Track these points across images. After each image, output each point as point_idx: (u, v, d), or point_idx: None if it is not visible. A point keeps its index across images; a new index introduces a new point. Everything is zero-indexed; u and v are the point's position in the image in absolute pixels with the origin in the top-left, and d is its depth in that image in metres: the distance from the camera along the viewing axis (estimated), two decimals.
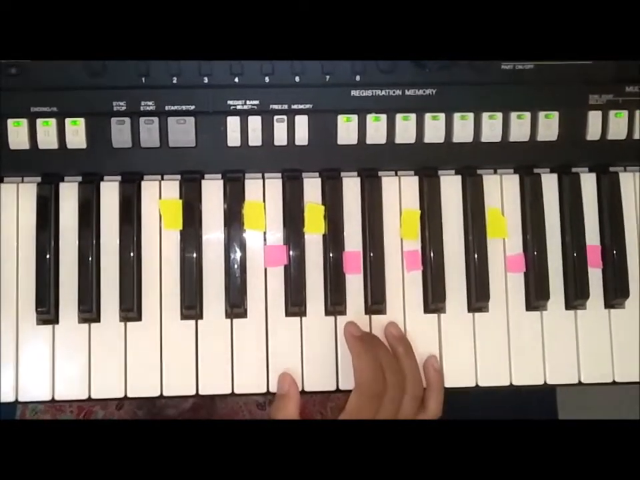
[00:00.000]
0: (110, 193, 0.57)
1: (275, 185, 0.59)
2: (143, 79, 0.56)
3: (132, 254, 0.56)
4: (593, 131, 0.59)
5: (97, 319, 0.56)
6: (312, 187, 0.59)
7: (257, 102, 0.57)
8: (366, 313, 0.58)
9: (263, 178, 0.59)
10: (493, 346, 0.58)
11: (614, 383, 0.59)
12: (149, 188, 0.58)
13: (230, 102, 0.57)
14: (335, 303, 0.57)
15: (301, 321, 0.57)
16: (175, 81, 0.56)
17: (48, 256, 0.56)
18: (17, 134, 0.56)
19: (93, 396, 0.56)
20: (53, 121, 0.56)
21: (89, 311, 0.56)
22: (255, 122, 0.57)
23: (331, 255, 0.57)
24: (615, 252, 0.59)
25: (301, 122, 0.57)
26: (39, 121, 0.56)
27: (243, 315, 0.57)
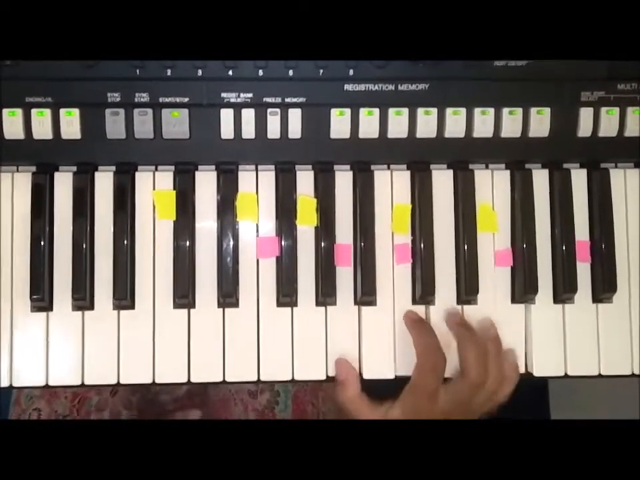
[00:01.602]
0: (104, 183, 0.58)
1: (268, 177, 0.59)
2: (138, 70, 0.57)
3: (126, 243, 0.57)
4: (585, 128, 0.60)
5: (91, 307, 0.57)
6: (305, 179, 0.59)
7: (250, 95, 0.57)
8: (356, 304, 0.59)
9: (256, 170, 0.59)
10: None
11: (600, 375, 0.60)
12: (142, 179, 0.58)
13: (224, 95, 0.57)
14: (326, 294, 0.58)
15: (292, 311, 0.58)
16: (169, 73, 0.57)
17: (42, 244, 0.56)
18: (12, 124, 0.56)
19: (86, 382, 0.57)
20: (47, 112, 0.56)
21: (83, 299, 0.56)
22: (248, 115, 0.58)
23: (322, 247, 0.58)
24: (603, 247, 0.60)
25: (294, 115, 0.58)
26: (34, 111, 0.56)
27: (235, 304, 0.58)
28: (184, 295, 0.57)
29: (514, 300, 0.60)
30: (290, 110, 0.58)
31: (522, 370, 0.59)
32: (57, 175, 0.58)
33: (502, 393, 0.57)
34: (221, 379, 0.57)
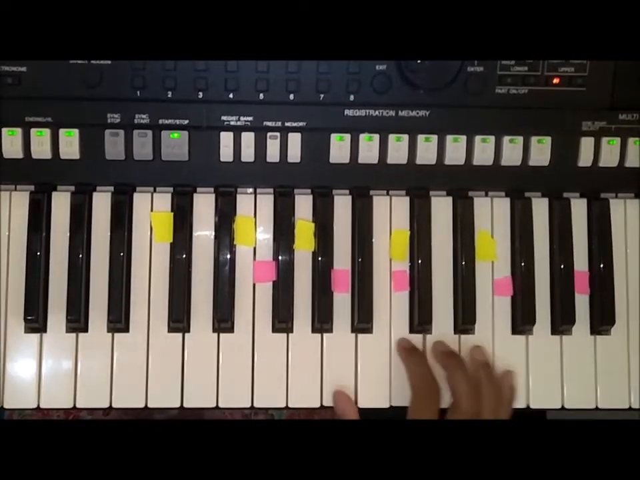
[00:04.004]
0: (102, 203, 0.58)
1: (266, 200, 0.59)
2: (138, 92, 0.57)
3: (122, 265, 0.56)
4: (585, 157, 0.59)
5: (85, 329, 0.57)
6: (303, 203, 0.59)
7: (250, 118, 0.57)
8: (352, 332, 0.58)
9: (255, 193, 0.59)
10: None
11: (597, 409, 0.59)
12: (140, 200, 0.58)
13: (224, 117, 0.57)
14: (322, 320, 0.57)
15: (287, 337, 0.58)
16: (169, 95, 0.57)
17: (38, 265, 0.56)
18: (11, 143, 0.56)
19: (78, 405, 0.56)
20: (47, 131, 0.56)
21: (77, 321, 0.56)
22: (248, 138, 0.57)
23: (319, 272, 0.58)
24: (602, 278, 0.59)
25: (294, 139, 0.58)
26: (33, 131, 0.56)
27: (230, 329, 0.57)
28: (179, 319, 0.56)
29: (515, 330, 0.59)
30: (290, 134, 0.58)
31: (522, 402, 0.59)
32: (54, 194, 0.58)
33: (501, 414, 0.56)
34: (214, 405, 0.57)
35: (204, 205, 0.59)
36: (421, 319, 0.57)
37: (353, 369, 0.58)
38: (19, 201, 0.57)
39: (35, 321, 0.56)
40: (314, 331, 0.58)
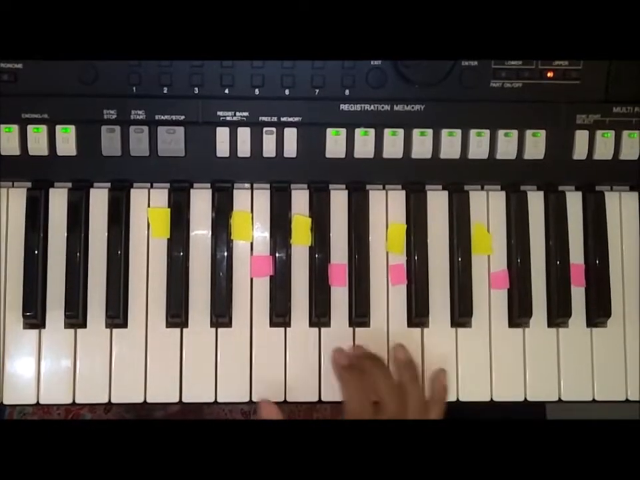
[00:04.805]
0: (99, 199, 0.58)
1: (263, 195, 0.59)
2: (134, 88, 0.57)
3: (119, 261, 0.57)
4: (580, 151, 0.60)
5: (83, 325, 0.57)
6: (300, 198, 0.59)
7: (246, 114, 0.57)
8: (350, 326, 0.58)
9: (252, 188, 0.59)
10: (474, 361, 0.59)
11: (594, 401, 0.59)
12: (138, 196, 0.58)
13: (220, 113, 0.57)
14: (320, 314, 0.57)
15: (285, 331, 0.58)
16: (165, 91, 0.57)
17: (36, 261, 0.56)
18: (8, 140, 0.56)
19: (77, 401, 0.57)
20: (43, 128, 0.57)
21: (75, 316, 0.56)
22: (244, 133, 0.58)
23: (316, 266, 0.58)
24: (598, 271, 0.60)
25: (290, 134, 0.58)
26: (30, 128, 0.56)
27: (228, 324, 0.58)
28: (176, 314, 0.56)
29: (511, 323, 0.59)
30: (286, 129, 0.58)
31: (520, 397, 0.59)
32: (51, 191, 0.58)
33: (432, 413, 0.55)
34: (212, 400, 0.57)
35: (201, 200, 0.59)
36: (417, 312, 0.58)
37: None
38: (16, 198, 0.57)
39: (34, 317, 0.56)
40: (311, 325, 0.58)
